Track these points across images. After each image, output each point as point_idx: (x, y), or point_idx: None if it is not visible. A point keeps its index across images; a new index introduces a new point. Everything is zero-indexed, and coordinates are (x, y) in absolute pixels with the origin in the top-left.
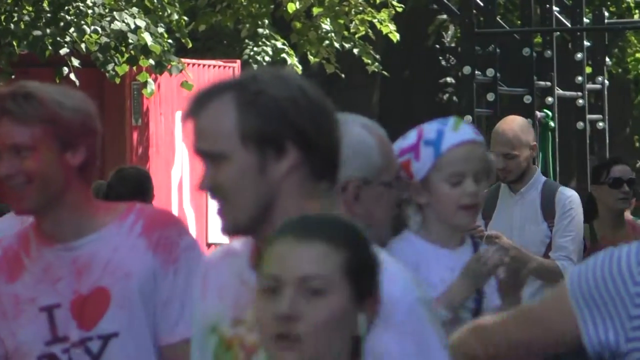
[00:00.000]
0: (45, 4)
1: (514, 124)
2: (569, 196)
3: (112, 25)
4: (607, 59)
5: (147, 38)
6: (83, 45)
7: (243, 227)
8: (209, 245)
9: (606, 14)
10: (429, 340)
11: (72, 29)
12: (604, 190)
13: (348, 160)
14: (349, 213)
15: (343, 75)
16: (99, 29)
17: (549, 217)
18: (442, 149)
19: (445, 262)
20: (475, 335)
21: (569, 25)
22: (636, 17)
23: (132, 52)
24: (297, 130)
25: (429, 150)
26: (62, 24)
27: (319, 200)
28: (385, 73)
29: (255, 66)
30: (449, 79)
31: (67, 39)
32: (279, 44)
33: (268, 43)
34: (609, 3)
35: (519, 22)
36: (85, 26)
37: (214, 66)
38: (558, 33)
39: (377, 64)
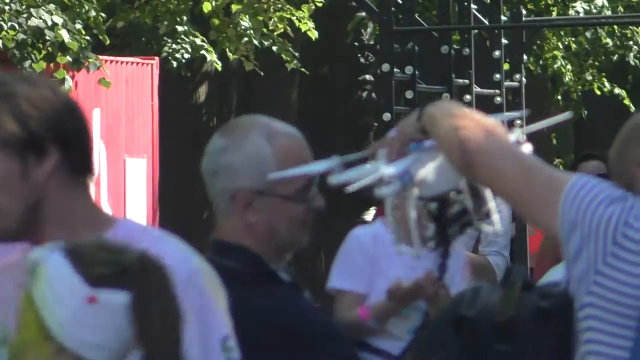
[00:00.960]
0: None
1: None
2: None
3: (29, 22)
4: (525, 57)
5: (65, 35)
6: (0, 42)
7: (14, 232)
8: None
9: (524, 11)
10: (207, 305)
11: None
12: None
13: (240, 170)
14: (242, 221)
15: (262, 73)
16: (16, 26)
17: None
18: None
19: (407, 261)
20: (483, 145)
21: (487, 23)
22: (554, 14)
23: (49, 49)
24: (56, 131)
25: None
26: None
27: (83, 191)
28: (304, 70)
29: (174, 63)
30: (367, 77)
31: None
32: (198, 41)
33: (187, 40)
34: (526, 1)
35: (438, 20)
36: (2, 22)
37: (132, 63)
38: (476, 31)
39: (296, 61)
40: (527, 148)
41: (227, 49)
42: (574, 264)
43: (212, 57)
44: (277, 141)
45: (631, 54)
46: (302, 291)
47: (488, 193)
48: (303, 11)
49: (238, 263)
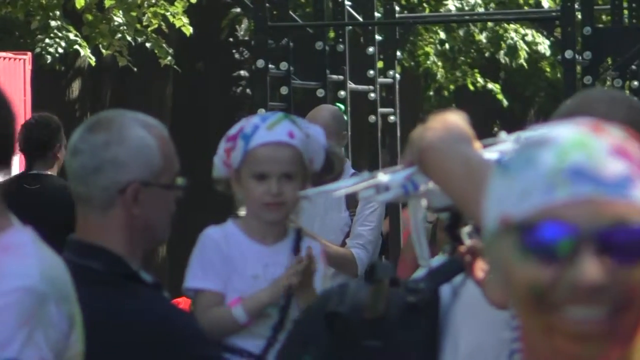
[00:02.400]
0: None
1: (326, 112)
2: None
3: None
4: (399, 53)
5: None
6: None
7: None
8: None
9: (397, 8)
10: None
11: None
12: None
13: (128, 163)
14: (128, 215)
15: (135, 69)
16: None
17: (352, 206)
18: (250, 145)
19: (260, 258)
20: (443, 141)
21: (361, 19)
22: (427, 11)
23: None
24: None
25: (242, 143)
26: None
27: None
28: (177, 68)
29: (48, 57)
30: (242, 72)
31: None
32: (71, 36)
33: (60, 35)
34: None
35: (312, 16)
36: None
37: (5, 58)
38: (350, 27)
39: (170, 57)
40: None
41: (100, 45)
42: None
43: (85, 52)
44: (155, 132)
45: (501, 52)
46: (163, 292)
47: None
48: (177, 7)
49: (100, 264)
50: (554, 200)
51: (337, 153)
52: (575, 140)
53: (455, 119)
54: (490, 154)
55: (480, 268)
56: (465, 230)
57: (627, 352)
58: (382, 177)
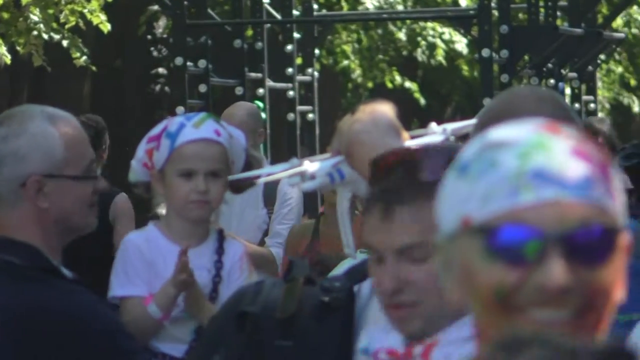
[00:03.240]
0: None
1: (241, 110)
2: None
3: None
4: (317, 51)
5: None
6: None
7: None
8: None
9: (315, 6)
10: None
11: None
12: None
13: (28, 156)
14: (32, 209)
15: (50, 69)
16: None
17: (270, 204)
18: (177, 143)
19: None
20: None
21: (279, 17)
22: (345, 9)
23: None
24: None
25: (167, 142)
26: None
27: None
28: (93, 68)
29: None
30: (160, 70)
31: None
32: None
33: None
34: None
35: (230, 14)
36: None
37: None
38: (269, 25)
39: (85, 57)
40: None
41: (16, 43)
42: None
43: (1, 50)
44: (60, 125)
45: (419, 49)
46: (84, 286)
47: None
48: (94, 4)
49: (20, 258)
50: (518, 203)
51: (256, 156)
52: (536, 142)
53: (383, 111)
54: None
55: None
56: None
57: None
58: (309, 165)
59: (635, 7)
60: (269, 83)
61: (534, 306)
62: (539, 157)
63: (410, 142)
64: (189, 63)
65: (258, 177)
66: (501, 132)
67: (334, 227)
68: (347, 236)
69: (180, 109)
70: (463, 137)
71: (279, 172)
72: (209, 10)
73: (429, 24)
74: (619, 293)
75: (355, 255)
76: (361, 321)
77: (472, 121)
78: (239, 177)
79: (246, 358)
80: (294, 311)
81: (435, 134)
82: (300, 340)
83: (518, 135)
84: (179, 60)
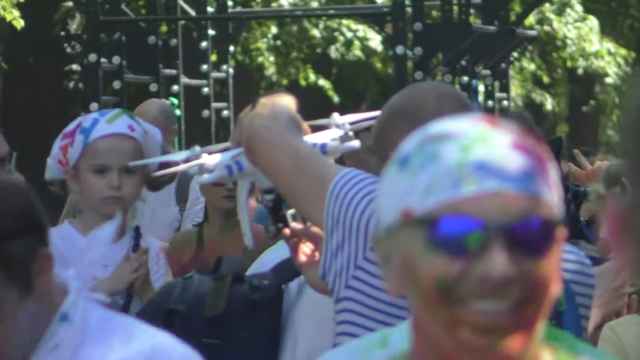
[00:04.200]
0: None
1: (154, 106)
2: None
3: None
4: (232, 48)
5: None
6: None
7: None
8: None
9: (230, 3)
10: None
11: None
12: (208, 188)
13: None
14: None
15: None
16: None
17: (182, 201)
18: (90, 138)
19: (99, 259)
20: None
21: (194, 14)
22: (259, 6)
23: None
24: None
25: (81, 137)
26: None
27: None
28: (4, 65)
29: None
30: (74, 67)
31: None
32: None
33: None
34: None
35: (145, 10)
36: None
37: None
38: (183, 22)
39: None
40: (355, 144)
41: None
42: (335, 259)
43: None
44: None
45: (332, 47)
46: None
47: None
48: (5, 1)
49: None
50: (461, 195)
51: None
52: (477, 135)
53: (283, 105)
54: (320, 138)
55: (304, 252)
56: (290, 212)
57: (529, 342)
58: (207, 158)
59: (547, 5)
60: (184, 80)
61: (475, 297)
62: (480, 149)
63: (310, 137)
64: (102, 59)
65: (175, 174)
66: (442, 125)
67: (219, 233)
68: (245, 226)
69: (94, 106)
70: (365, 131)
71: (177, 159)
72: (123, 7)
73: (345, 21)
74: (556, 286)
75: (252, 245)
76: (289, 319)
77: (374, 114)
78: (138, 163)
79: None
80: (222, 309)
81: (334, 127)
82: (227, 339)
83: (459, 128)
84: (92, 57)
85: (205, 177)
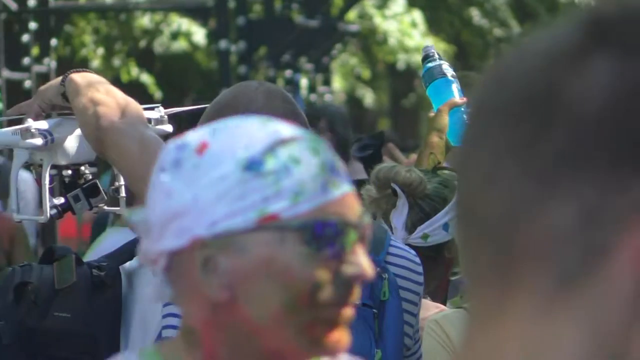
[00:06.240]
0: None
1: None
2: None
3: None
4: (55, 41)
5: None
6: None
7: None
8: None
9: None
10: None
11: None
12: None
13: None
14: None
15: None
16: None
17: (3, 196)
18: None
19: None
20: None
21: (15, 7)
22: (82, 0)
23: None
24: None
25: None
26: None
27: None
28: None
29: None
30: None
31: None
32: None
33: None
34: None
35: None
36: None
37: None
38: (5, 15)
39: None
40: (168, 128)
41: None
42: None
43: None
44: None
45: (157, 41)
46: None
47: (118, 172)
48: None
49: None
50: (331, 198)
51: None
52: (309, 137)
53: (124, 96)
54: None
55: None
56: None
57: None
58: (32, 122)
59: (367, 0)
60: (5, 73)
61: (342, 297)
62: (324, 153)
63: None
64: None
65: None
66: (284, 127)
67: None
68: (14, 198)
69: None
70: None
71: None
72: None
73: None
74: None
75: (18, 218)
76: (129, 297)
77: (192, 108)
78: None
79: (26, 329)
80: (71, 283)
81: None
82: (76, 312)
83: (293, 131)
84: None
85: (28, 142)
